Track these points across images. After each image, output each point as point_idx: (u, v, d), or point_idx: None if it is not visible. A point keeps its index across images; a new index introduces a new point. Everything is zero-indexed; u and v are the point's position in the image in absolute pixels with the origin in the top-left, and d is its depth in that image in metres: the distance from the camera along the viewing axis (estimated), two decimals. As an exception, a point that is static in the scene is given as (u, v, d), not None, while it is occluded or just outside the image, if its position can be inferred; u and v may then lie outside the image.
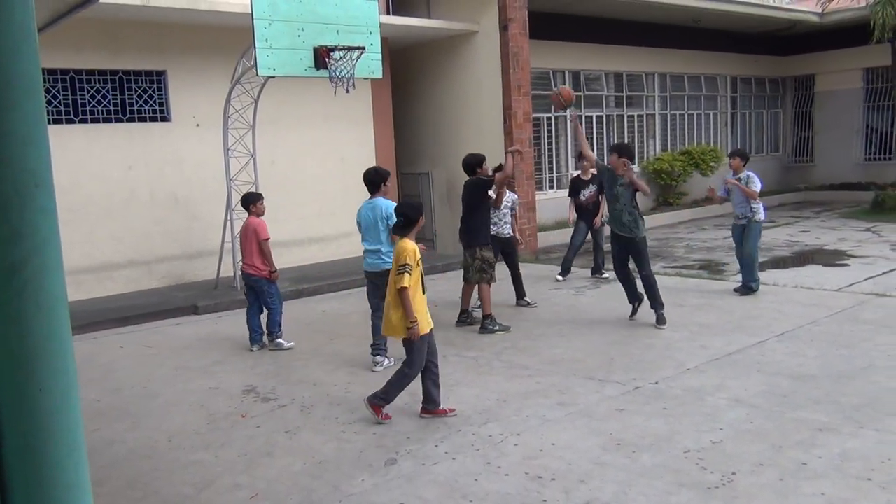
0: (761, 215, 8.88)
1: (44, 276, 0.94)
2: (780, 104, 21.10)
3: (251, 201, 7.65)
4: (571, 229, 10.84)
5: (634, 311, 7.98)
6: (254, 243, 7.47)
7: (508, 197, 8.87)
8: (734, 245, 9.19)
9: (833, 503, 3.81)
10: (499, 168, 8.41)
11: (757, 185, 8.79)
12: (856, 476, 4.08)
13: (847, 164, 19.67)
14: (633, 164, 10.21)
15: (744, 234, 8.87)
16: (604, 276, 10.28)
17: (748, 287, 8.82)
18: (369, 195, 6.77)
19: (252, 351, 7.57)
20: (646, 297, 7.79)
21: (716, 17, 16.48)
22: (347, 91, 8.60)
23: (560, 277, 10.47)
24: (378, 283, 6.48)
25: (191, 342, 8.08)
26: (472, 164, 8.08)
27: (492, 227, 8.42)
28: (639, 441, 4.72)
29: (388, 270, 5.94)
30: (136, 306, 9.55)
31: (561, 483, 4.20)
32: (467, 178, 8.17)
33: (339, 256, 12.30)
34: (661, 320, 7.60)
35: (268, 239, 7.49)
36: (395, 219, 5.73)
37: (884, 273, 9.73)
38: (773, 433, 4.73)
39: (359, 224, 6.84)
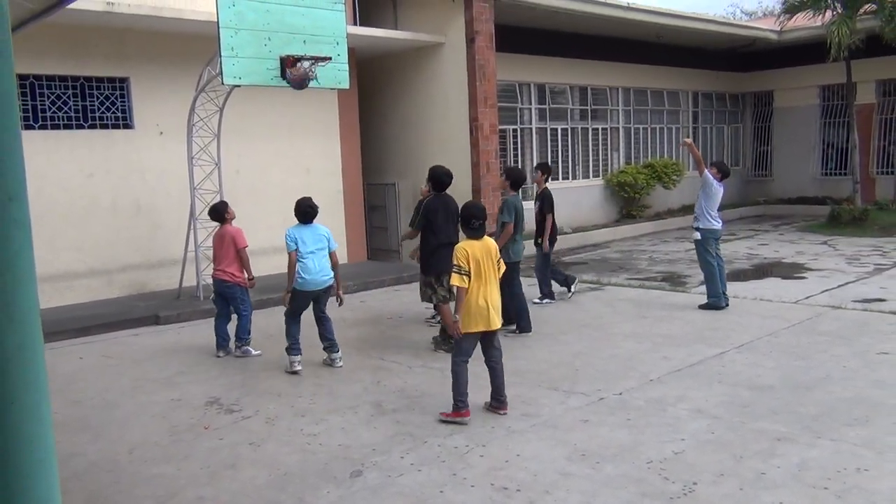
0: (696, 234, 8.90)
1: (16, 289, 0.93)
2: (740, 119, 21.55)
3: (223, 210, 7.79)
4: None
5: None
6: (231, 250, 7.56)
7: None
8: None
9: (791, 511, 3.89)
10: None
11: (707, 182, 8.75)
12: (813, 485, 4.17)
13: (804, 178, 20.14)
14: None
15: None
16: (572, 292, 9.79)
17: (708, 304, 8.87)
18: (300, 222, 6.96)
19: (218, 357, 7.59)
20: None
21: (677, 33, 16.81)
22: (313, 80, 8.45)
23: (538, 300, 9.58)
24: (315, 298, 7.04)
25: (152, 353, 7.96)
26: (451, 179, 7.53)
27: None
28: (603, 451, 4.77)
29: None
30: (97, 316, 9.38)
31: (526, 494, 4.22)
32: (444, 191, 7.48)
33: (304, 266, 12.19)
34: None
35: (246, 247, 7.62)
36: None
37: (839, 286, 9.98)
38: (734, 443, 4.81)
39: (300, 243, 6.80)
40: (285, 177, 12.18)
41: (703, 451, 4.70)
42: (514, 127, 15.24)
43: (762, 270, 11.70)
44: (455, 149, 13.01)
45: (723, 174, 8.92)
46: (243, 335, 7.65)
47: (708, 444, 4.82)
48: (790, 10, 16.68)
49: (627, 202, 17.17)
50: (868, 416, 5.21)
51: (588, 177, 16.89)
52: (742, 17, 36.55)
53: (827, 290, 9.70)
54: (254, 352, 7.64)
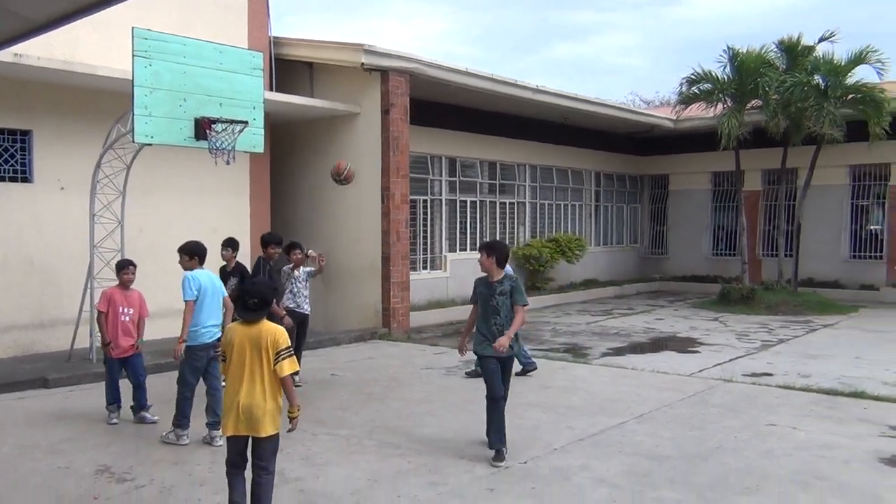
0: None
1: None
2: (639, 200, 22.66)
3: (116, 269, 7.63)
4: (444, 310, 10.84)
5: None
6: None
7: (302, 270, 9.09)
8: None
9: (688, 578, 4.00)
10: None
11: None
12: (708, 552, 4.31)
13: (697, 257, 21.25)
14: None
15: None
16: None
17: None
18: (198, 266, 6.84)
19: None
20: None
21: (582, 116, 17.69)
22: (228, 163, 8.54)
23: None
24: (210, 355, 6.72)
25: (38, 418, 7.50)
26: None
27: (290, 301, 8.84)
28: (508, 520, 4.80)
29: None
30: (-23, 378, 8.80)
31: (432, 564, 4.19)
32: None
33: (206, 330, 11.86)
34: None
35: (99, 310, 7.40)
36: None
37: (730, 360, 10.48)
38: (634, 511, 4.94)
39: (197, 290, 6.68)
40: (190, 236, 11.85)
41: (605, 520, 4.80)
42: (425, 197, 15.51)
43: (658, 344, 12.16)
44: (366, 216, 13.12)
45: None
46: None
47: (610, 512, 4.93)
48: (685, 101, 17.87)
49: (532, 274, 17.60)
50: (758, 485, 5.45)
51: (495, 249, 17.25)
52: (640, 105, 38.75)
53: (719, 364, 10.16)
54: (111, 419, 7.32)
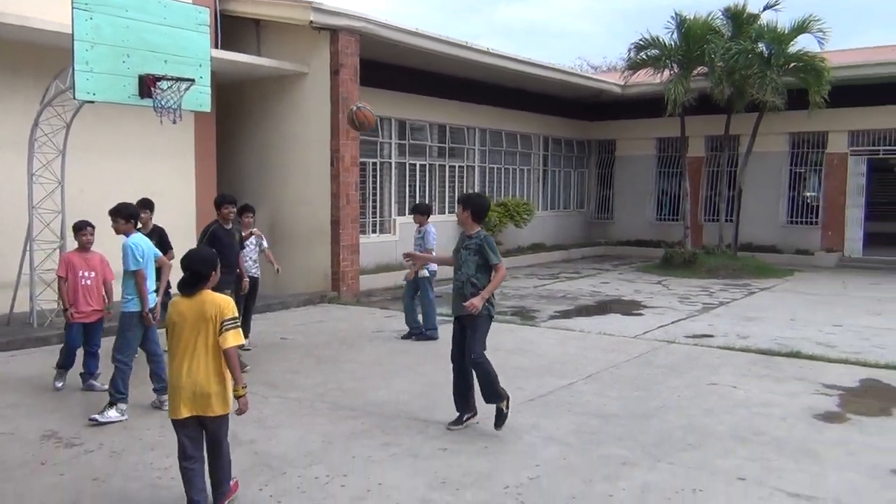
0: (425, 271, 9.45)
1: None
2: (586, 164, 22.92)
3: (73, 230, 7.23)
4: (393, 273, 10.76)
5: (459, 421, 6.00)
6: None
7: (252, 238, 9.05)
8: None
9: (635, 531, 4.16)
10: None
11: (430, 242, 9.38)
12: (654, 505, 4.49)
13: (642, 222, 21.66)
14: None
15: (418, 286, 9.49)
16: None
17: (426, 335, 9.44)
18: (134, 229, 6.56)
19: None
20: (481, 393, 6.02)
21: (532, 80, 17.71)
22: (174, 122, 8.32)
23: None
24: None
25: (-22, 383, 7.31)
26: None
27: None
28: (462, 479, 4.89)
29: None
30: (-89, 343, 8.50)
31: (388, 522, 4.25)
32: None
33: (151, 293, 11.63)
34: (500, 419, 5.84)
35: (58, 276, 7.05)
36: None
37: (673, 322, 10.78)
38: (584, 468, 5.09)
39: (142, 258, 6.38)
40: (133, 198, 11.56)
41: (557, 476, 4.93)
42: (374, 160, 15.39)
43: (604, 307, 12.42)
44: (315, 178, 12.97)
45: (427, 215, 9.62)
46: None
47: (560, 469, 5.07)
48: (633, 67, 18.03)
49: (481, 238, 17.70)
50: (700, 441, 5.67)
51: (444, 213, 17.28)
52: (588, 70, 38.90)
53: (662, 326, 10.45)
54: (57, 384, 7.16)
